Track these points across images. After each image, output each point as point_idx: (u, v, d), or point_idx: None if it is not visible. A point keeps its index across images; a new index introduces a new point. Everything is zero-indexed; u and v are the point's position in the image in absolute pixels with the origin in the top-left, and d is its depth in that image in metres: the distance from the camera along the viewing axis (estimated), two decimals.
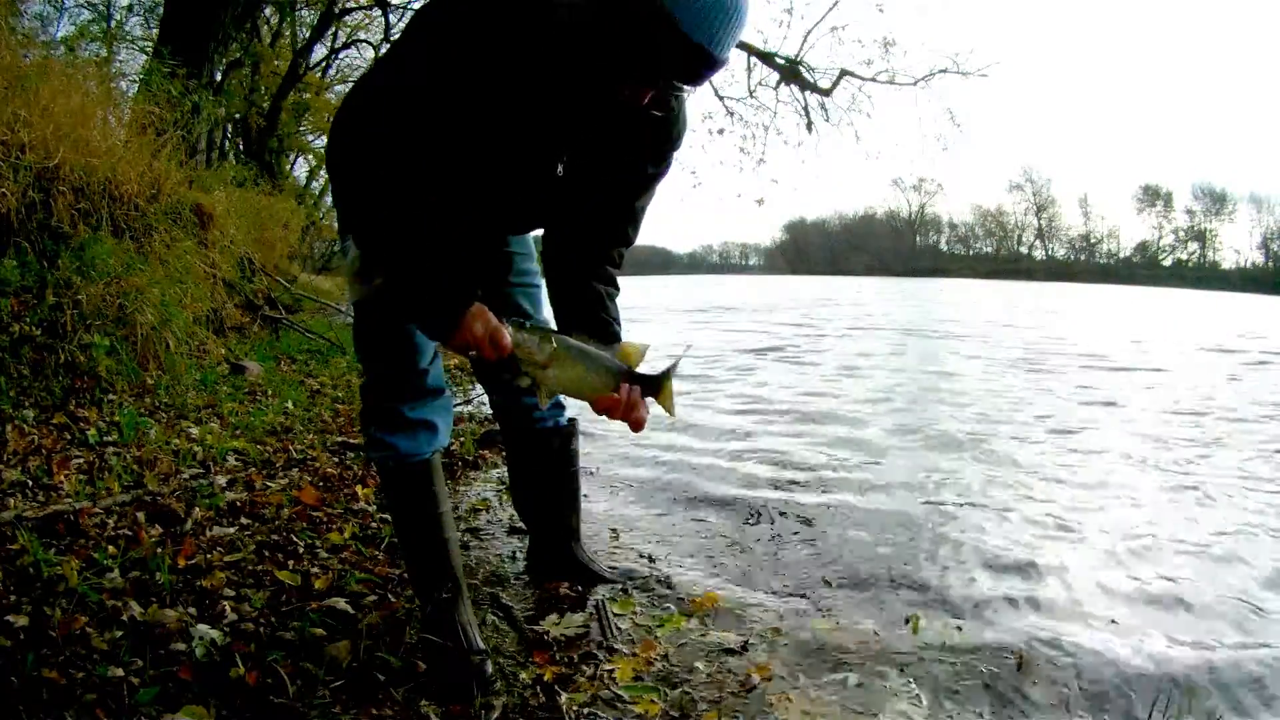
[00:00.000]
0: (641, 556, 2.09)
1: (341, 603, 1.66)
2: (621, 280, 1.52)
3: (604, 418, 1.29)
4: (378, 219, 1.18)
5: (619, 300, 1.47)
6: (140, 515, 2.08)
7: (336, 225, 1.51)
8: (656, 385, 1.28)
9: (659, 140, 1.39)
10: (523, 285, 1.66)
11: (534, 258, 1.71)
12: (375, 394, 1.45)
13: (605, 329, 1.40)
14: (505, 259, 1.64)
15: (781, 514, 2.47)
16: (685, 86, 1.19)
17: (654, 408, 1.31)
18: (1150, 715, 1.36)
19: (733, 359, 7.00)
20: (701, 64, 1.12)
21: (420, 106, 1.18)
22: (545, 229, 1.50)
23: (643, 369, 1.31)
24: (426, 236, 1.18)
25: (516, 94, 1.22)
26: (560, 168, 1.32)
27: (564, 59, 1.19)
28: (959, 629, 1.69)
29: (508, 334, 1.19)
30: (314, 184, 18.27)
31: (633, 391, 1.26)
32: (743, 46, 12.19)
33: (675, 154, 1.44)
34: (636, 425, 1.29)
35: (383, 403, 1.44)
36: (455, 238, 1.35)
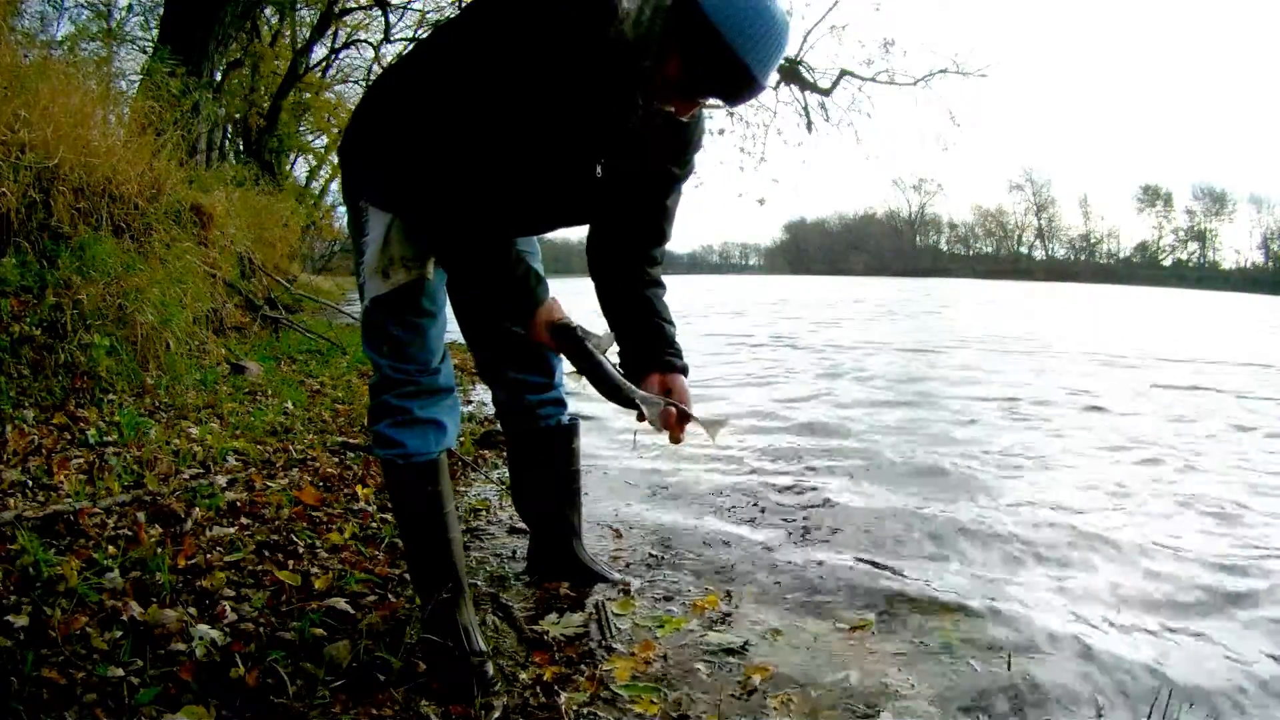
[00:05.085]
0: (643, 556, 2.09)
1: (341, 603, 1.65)
2: None
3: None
4: (451, 222, 1.29)
5: (666, 297, 1.59)
6: (140, 515, 2.08)
7: (346, 225, 1.52)
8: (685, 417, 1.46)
9: (681, 143, 1.48)
10: None
11: (539, 256, 1.72)
12: (385, 391, 1.45)
13: (659, 335, 1.52)
14: None
15: (783, 516, 2.48)
16: (723, 104, 1.30)
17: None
18: (1150, 716, 1.36)
19: (734, 361, 7.00)
20: (745, 86, 1.24)
21: (479, 107, 1.25)
22: (588, 237, 1.57)
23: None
24: (500, 238, 1.33)
25: (570, 98, 1.28)
26: (599, 169, 1.39)
27: (617, 70, 1.26)
28: (956, 628, 1.69)
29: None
30: (314, 184, 18.29)
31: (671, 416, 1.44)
32: None
33: (696, 156, 1.53)
34: (676, 439, 1.46)
35: (393, 400, 1.44)
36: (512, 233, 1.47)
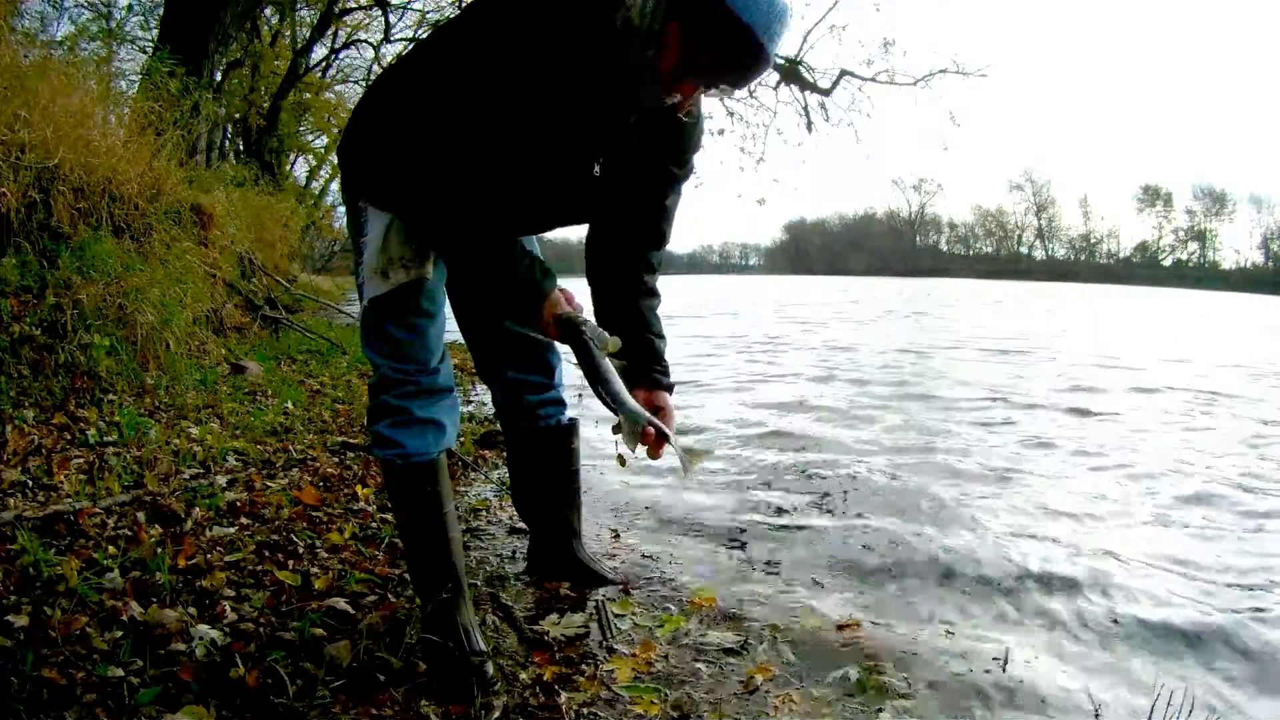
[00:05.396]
0: (642, 557, 2.09)
1: (341, 603, 1.65)
2: None
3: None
4: (453, 213, 1.29)
5: (660, 310, 1.59)
6: (140, 515, 2.08)
7: (346, 225, 1.52)
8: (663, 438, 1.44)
9: (680, 143, 1.48)
10: None
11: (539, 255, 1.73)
12: (385, 391, 1.45)
13: (648, 349, 1.52)
14: None
15: (780, 515, 2.48)
16: (730, 85, 1.28)
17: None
18: (1150, 716, 1.36)
19: (725, 363, 7.00)
20: (751, 54, 1.21)
21: (479, 105, 1.25)
22: (586, 240, 1.57)
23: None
24: (501, 236, 1.32)
25: (571, 94, 1.27)
26: (597, 168, 1.38)
27: (618, 61, 1.26)
28: (954, 628, 1.69)
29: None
30: (314, 184, 18.29)
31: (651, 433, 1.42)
32: None
33: (695, 156, 1.53)
34: (653, 456, 1.45)
35: (392, 400, 1.44)
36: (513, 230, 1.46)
